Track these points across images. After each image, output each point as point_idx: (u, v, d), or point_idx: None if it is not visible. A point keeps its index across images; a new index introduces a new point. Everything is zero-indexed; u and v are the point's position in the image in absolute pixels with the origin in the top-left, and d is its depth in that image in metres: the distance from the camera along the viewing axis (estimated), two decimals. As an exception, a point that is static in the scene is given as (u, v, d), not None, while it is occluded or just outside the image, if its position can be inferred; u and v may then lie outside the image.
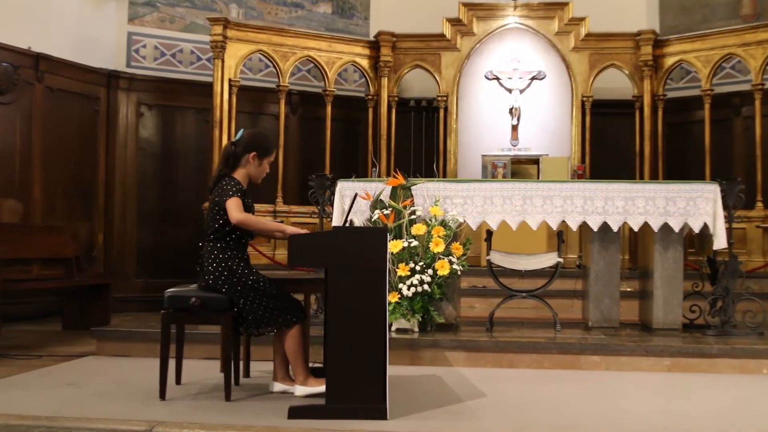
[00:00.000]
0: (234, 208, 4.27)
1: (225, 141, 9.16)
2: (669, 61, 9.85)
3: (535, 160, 9.76)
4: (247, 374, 4.99)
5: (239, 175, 4.45)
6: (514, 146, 10.03)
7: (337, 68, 10.00)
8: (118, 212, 9.55)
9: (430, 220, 6.04)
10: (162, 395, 4.27)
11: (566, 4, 10.00)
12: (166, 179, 9.79)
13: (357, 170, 8.85)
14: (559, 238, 6.36)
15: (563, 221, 6.22)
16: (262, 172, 4.52)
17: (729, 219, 6.24)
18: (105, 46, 9.56)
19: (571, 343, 5.65)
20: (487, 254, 6.36)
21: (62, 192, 8.99)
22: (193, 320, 4.40)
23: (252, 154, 4.45)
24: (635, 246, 8.55)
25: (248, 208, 4.42)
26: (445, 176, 9.81)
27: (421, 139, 10.77)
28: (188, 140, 9.91)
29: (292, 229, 4.26)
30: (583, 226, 6.41)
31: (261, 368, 5.16)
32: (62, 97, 9.01)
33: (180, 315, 4.32)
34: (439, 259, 5.89)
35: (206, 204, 8.73)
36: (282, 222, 8.52)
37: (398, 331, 5.93)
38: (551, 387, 4.92)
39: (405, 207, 6.02)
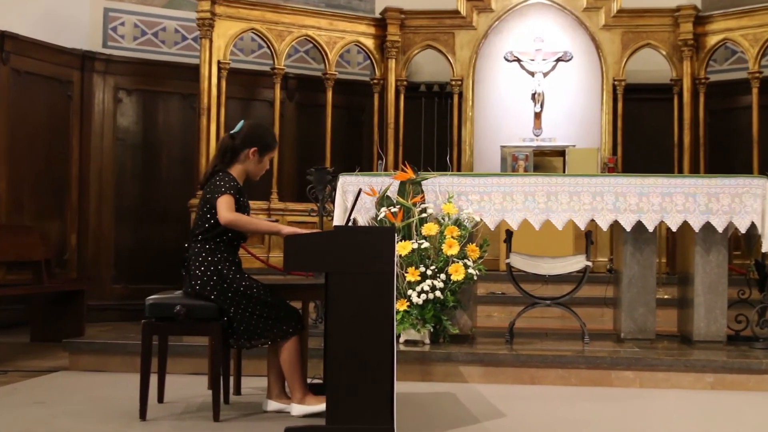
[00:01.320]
0: (224, 207, 4.28)
1: (213, 130, 9.18)
2: (712, 40, 9.83)
3: (560, 152, 9.75)
4: (237, 391, 5.00)
5: (236, 171, 4.46)
6: (537, 136, 10.02)
7: (338, 49, 10.01)
8: (93, 210, 9.58)
9: (443, 219, 6.04)
10: (142, 415, 4.28)
11: (596, -25, 9.99)
12: (147, 173, 9.81)
13: (361, 163, 8.83)
14: (587, 239, 6.36)
15: (592, 220, 6.22)
16: (262, 169, 4.55)
17: (779, 217, 6.22)
18: (78, 24, 9.58)
19: (602, 357, 5.64)
20: (507, 257, 6.36)
21: (30, 187, 9.01)
22: (177, 331, 4.41)
23: (252, 149, 4.47)
24: (673, 248, 8.53)
25: (243, 208, 4.43)
26: (459, 170, 9.80)
27: (433, 129, 10.77)
28: (172, 129, 9.93)
29: (288, 229, 4.26)
30: (615, 226, 6.40)
31: (253, 385, 5.16)
32: (30, 81, 9.03)
33: (163, 325, 4.33)
34: (453, 262, 5.89)
35: (193, 200, 8.80)
36: (277, 221, 8.52)
37: (407, 342, 5.93)
38: (579, 406, 4.91)
39: (415, 204, 6.02)
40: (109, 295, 9.47)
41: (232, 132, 4.55)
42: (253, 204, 9.08)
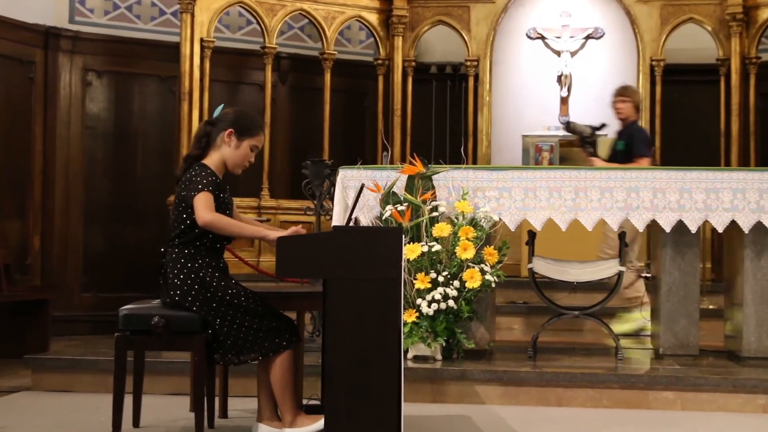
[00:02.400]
0: (202, 206, 4.28)
1: (196, 117, 9.19)
2: (764, 14, 9.81)
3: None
4: (224, 414, 5.01)
5: (212, 161, 4.46)
6: (564, 124, 10.02)
7: (338, 25, 10.02)
8: (59, 209, 9.58)
9: (457, 219, 6.05)
10: (115, 440, 4.28)
11: (631, -59, 9.99)
12: (121, 166, 9.81)
13: (364, 155, 8.84)
14: (621, 241, 6.36)
15: (626, 219, 6.22)
16: (242, 158, 4.51)
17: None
18: (42, -4, 9.58)
19: (638, 375, 5.65)
20: (530, 261, 6.38)
21: (-12, 183, 9.02)
22: (155, 345, 4.42)
23: (228, 131, 4.46)
24: (719, 252, 8.52)
25: (224, 206, 4.43)
26: (475, 162, 9.80)
27: (445, 116, 10.77)
28: (149, 116, 9.93)
29: (275, 233, 4.26)
30: (653, 226, 6.41)
31: (242, 406, 5.17)
32: (-13, 61, 9.05)
33: (139, 339, 4.33)
34: (468, 267, 5.90)
35: (173, 198, 8.77)
36: (268, 221, 8.55)
37: (416, 359, 5.95)
38: (612, 431, 4.91)
39: (424, 201, 6.03)
40: (77, 305, 9.47)
41: (208, 118, 4.57)
42: (241, 202, 9.22)
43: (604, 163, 7.27)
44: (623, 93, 7.74)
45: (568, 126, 7.87)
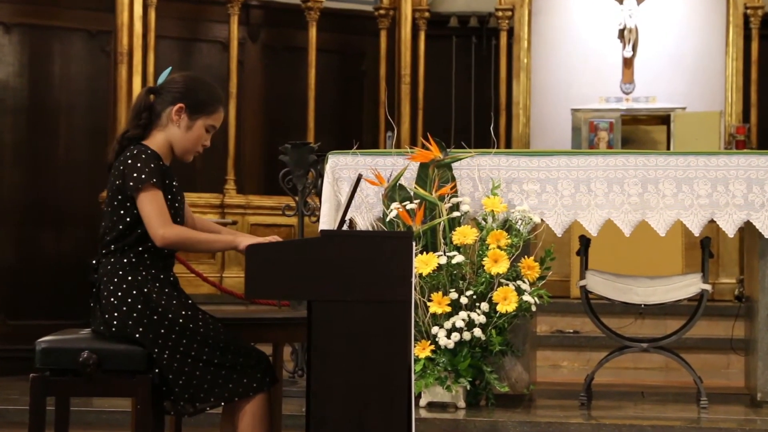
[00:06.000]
0: (154, 216, 4.24)
1: (137, 85, 9.20)
2: None
3: (662, 118, 9.78)
4: (175, 481, 5.02)
5: (155, 142, 4.44)
6: (627, 94, 10.05)
7: (325, -39, 10.05)
8: (-46, 207, 9.60)
9: (485, 220, 6.05)
10: None
11: None
12: (37, 151, 9.78)
13: (360, 136, 8.84)
14: (704, 250, 6.35)
15: (711, 221, 6.21)
16: (195, 141, 4.49)
17: None
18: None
19: (728, 429, 5.64)
20: (582, 277, 6.36)
21: None
22: (84, 389, 4.39)
23: (177, 106, 4.45)
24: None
25: (173, 202, 4.41)
26: (509, 145, 9.81)
27: (469, 84, 10.76)
28: (75, 84, 9.91)
29: (248, 239, 4.26)
30: (747, 230, 6.40)
31: (199, 471, 5.18)
32: None
33: (62, 381, 4.31)
34: (501, 285, 5.89)
35: (105, 193, 8.76)
36: (234, 224, 8.56)
37: (432, 406, 5.93)
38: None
39: (442, 197, 6.02)
40: (-22, 336, 9.49)
41: (151, 86, 4.55)
42: (198, 199, 9.20)
43: None
44: None
45: None
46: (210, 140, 4.56)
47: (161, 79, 4.53)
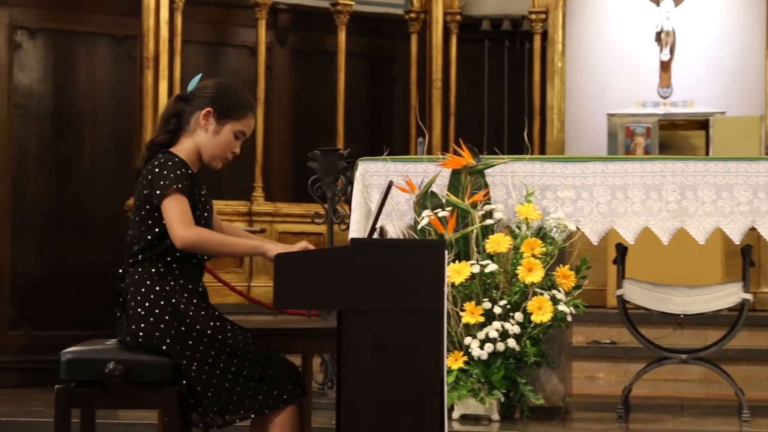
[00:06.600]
0: (176, 218, 4.25)
1: (164, 91, 9.24)
2: None
3: (701, 123, 9.78)
4: (202, 494, 4.98)
5: (183, 149, 4.46)
6: (665, 98, 10.04)
7: (355, -34, 10.06)
8: (-23, 217, 9.62)
9: (519, 228, 6.04)
10: None
11: None
12: (62, 159, 9.82)
13: (391, 142, 8.84)
14: (744, 258, 6.33)
15: (752, 229, 6.16)
16: (224, 147, 4.51)
17: None
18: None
19: (770, 443, 5.60)
20: (619, 286, 6.36)
21: None
22: (110, 401, 4.39)
23: (205, 110, 4.46)
24: None
25: (201, 209, 4.41)
26: (543, 151, 9.79)
27: (502, 88, 10.75)
28: (101, 90, 9.94)
29: (277, 247, 4.25)
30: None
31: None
32: None
33: (88, 393, 4.31)
34: (535, 294, 5.88)
35: (132, 201, 8.78)
36: (262, 232, 8.53)
37: (465, 419, 5.95)
38: None
39: (474, 205, 6.00)
40: (3, 346, 9.48)
41: (181, 93, 4.56)
42: (225, 207, 9.22)
43: None
44: None
45: None
46: (240, 148, 4.56)
47: (191, 86, 4.57)
